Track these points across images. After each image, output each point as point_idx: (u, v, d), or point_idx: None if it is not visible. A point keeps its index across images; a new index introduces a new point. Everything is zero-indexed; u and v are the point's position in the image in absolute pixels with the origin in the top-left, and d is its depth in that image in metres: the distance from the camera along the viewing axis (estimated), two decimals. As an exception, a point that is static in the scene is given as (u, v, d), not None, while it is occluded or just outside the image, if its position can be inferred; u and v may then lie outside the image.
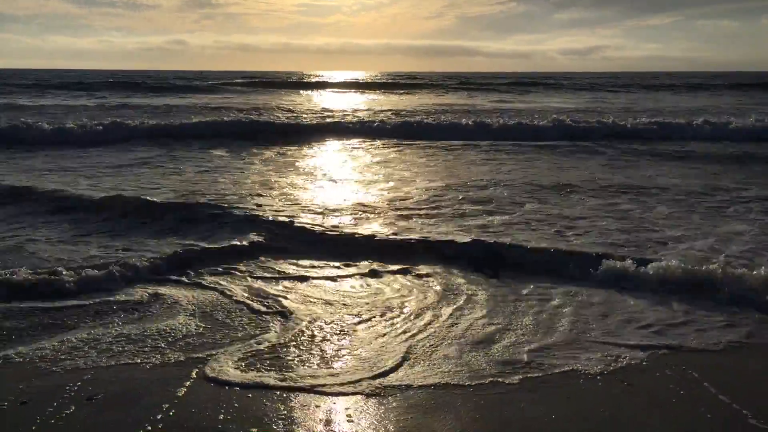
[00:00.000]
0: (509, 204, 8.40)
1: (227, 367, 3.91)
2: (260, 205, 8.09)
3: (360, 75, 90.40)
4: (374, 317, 4.77)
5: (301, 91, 44.07)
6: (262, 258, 6.15)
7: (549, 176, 10.63)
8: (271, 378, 3.80)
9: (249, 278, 5.64)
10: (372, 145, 15.25)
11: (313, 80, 62.42)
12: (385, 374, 3.87)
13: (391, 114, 22.48)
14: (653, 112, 24.18)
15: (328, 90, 46.87)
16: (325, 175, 10.85)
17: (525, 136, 16.44)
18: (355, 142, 15.86)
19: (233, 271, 5.79)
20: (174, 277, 5.59)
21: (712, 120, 18.08)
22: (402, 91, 43.33)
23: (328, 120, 19.93)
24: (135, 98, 31.54)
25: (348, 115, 22.49)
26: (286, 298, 5.15)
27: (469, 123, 18.18)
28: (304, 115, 21.99)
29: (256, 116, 20.56)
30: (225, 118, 18.98)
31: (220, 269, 5.82)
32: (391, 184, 9.88)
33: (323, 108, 26.43)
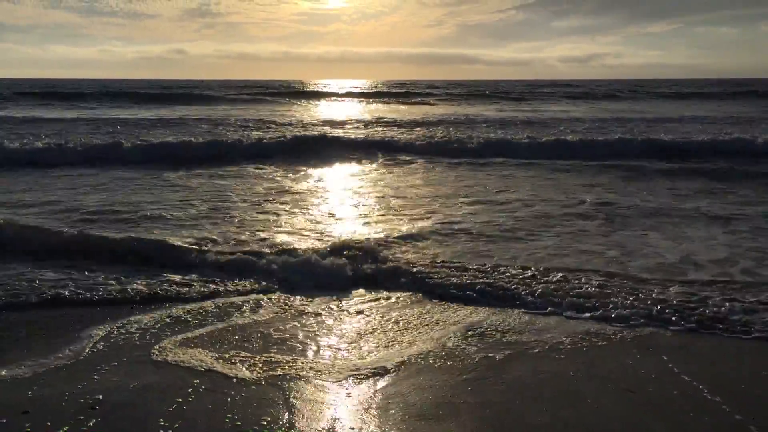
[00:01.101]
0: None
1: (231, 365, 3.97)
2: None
3: (362, 84, 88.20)
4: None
5: (321, 101, 43.30)
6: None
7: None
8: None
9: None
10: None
11: (324, 90, 59.45)
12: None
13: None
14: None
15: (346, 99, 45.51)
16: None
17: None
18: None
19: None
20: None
21: None
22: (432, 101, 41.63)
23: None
24: (131, 109, 31.03)
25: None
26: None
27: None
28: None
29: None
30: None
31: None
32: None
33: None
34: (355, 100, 44.80)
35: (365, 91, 56.49)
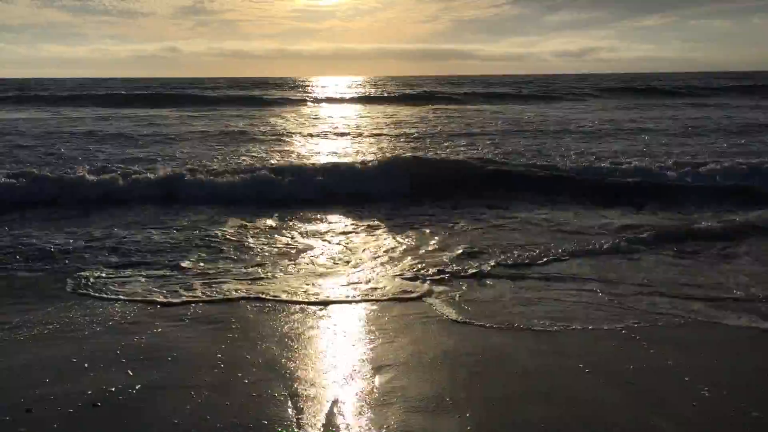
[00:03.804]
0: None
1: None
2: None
3: (359, 80, 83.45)
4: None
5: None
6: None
7: None
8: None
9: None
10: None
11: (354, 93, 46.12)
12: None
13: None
14: None
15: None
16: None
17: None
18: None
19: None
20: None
21: None
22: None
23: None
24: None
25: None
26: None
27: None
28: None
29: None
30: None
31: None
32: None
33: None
34: (397, 101, 35.47)
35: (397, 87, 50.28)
